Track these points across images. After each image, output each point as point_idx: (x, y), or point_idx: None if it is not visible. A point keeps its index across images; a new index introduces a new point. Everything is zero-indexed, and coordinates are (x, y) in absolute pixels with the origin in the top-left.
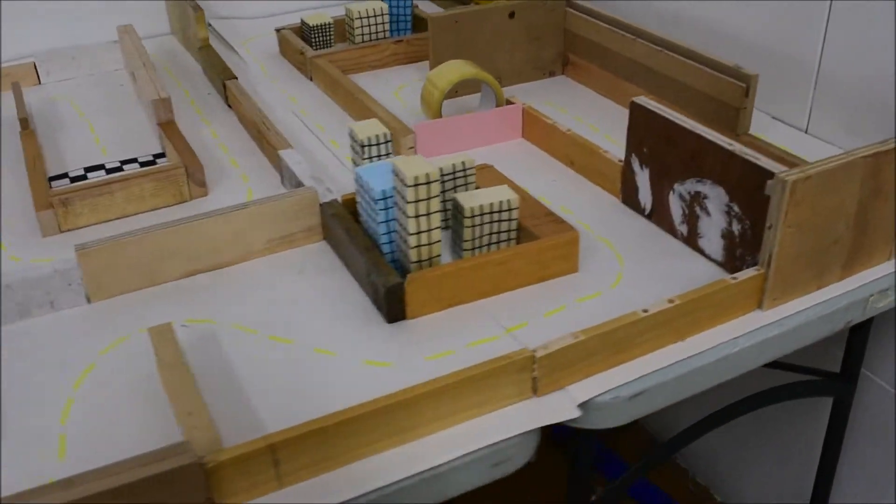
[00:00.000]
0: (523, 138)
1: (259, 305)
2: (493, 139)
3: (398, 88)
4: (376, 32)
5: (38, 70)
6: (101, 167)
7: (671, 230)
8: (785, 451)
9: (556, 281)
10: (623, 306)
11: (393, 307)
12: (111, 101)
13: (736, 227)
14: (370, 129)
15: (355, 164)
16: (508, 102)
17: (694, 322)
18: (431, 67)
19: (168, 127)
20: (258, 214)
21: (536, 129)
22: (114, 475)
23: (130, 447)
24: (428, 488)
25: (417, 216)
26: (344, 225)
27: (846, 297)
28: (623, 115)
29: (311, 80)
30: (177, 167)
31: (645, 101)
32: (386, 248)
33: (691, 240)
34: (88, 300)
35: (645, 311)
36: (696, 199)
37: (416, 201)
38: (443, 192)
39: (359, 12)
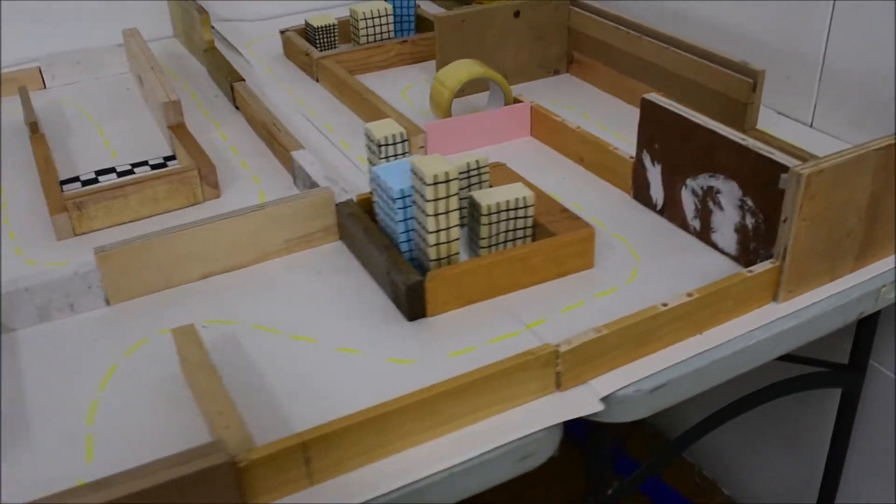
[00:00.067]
0: (531, 136)
1: (279, 305)
2: (501, 138)
3: (405, 89)
4: (381, 33)
5: (44, 74)
6: (111, 170)
7: (683, 225)
8: (792, 443)
9: (572, 277)
10: (640, 301)
11: (414, 305)
12: (118, 104)
13: (749, 221)
14: (386, 128)
15: (371, 163)
16: (516, 101)
17: (712, 315)
18: (438, 67)
19: (178, 129)
20: (275, 215)
21: (545, 127)
22: (148, 475)
23: (158, 448)
24: (457, 483)
25: (437, 214)
26: (361, 224)
27: (858, 288)
28: (629, 112)
29: (317, 81)
30: (190, 169)
31: (656, 97)
32: (404, 247)
33: (704, 234)
34: (108, 302)
35: (665, 304)
36: (709, 193)
37: (436, 200)
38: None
39: (364, 13)
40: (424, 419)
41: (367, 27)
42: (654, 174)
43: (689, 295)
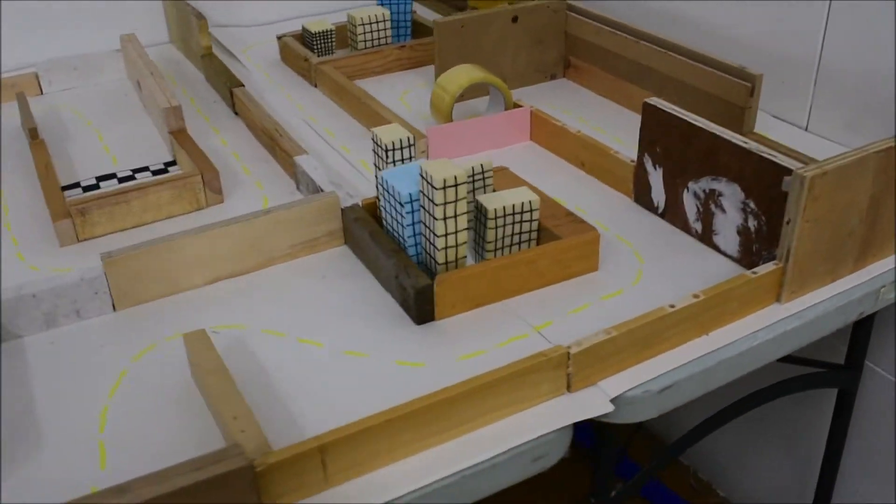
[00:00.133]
0: (531, 141)
1: (286, 310)
2: (502, 142)
3: (403, 94)
4: (378, 38)
5: (40, 80)
6: (112, 176)
7: (685, 228)
8: (788, 444)
9: (577, 280)
10: (645, 303)
11: (422, 308)
12: (117, 109)
13: (752, 223)
14: (393, 133)
15: (378, 168)
16: (516, 105)
17: (717, 316)
18: (437, 72)
19: (180, 135)
20: (281, 220)
21: (545, 132)
22: (167, 480)
23: (170, 453)
24: (472, 485)
25: (446, 218)
26: (368, 229)
27: (859, 288)
28: (627, 116)
29: (315, 86)
30: (193, 175)
31: (658, 101)
32: (412, 251)
33: (706, 237)
34: (114, 308)
35: (672, 306)
36: (711, 196)
37: (445, 203)
38: None
39: (361, 18)
40: (439, 421)
41: (364, 32)
42: (656, 177)
43: (696, 296)
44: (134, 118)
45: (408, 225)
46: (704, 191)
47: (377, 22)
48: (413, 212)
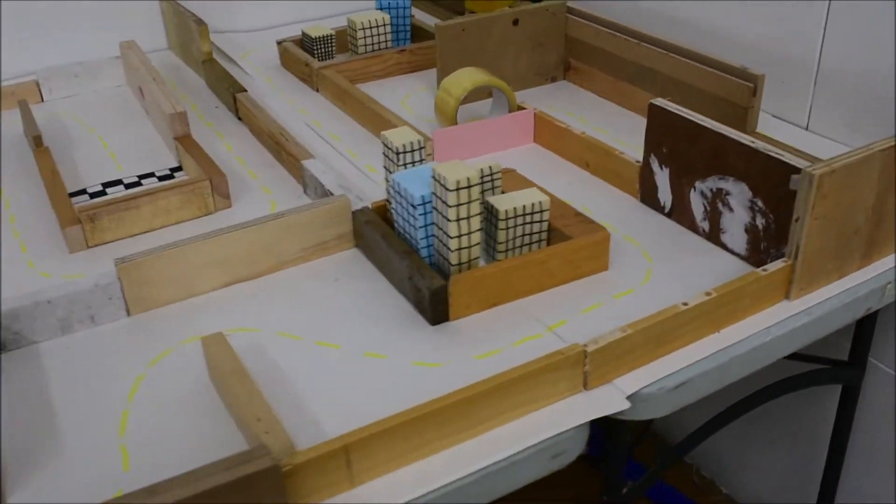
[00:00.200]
0: (535, 143)
1: (300, 313)
2: (506, 144)
3: (405, 97)
4: (379, 43)
5: (41, 87)
6: (118, 182)
7: (692, 227)
8: (791, 441)
9: (588, 279)
10: (656, 301)
11: (437, 309)
12: (119, 116)
13: (760, 222)
14: (404, 136)
15: (388, 170)
16: (520, 108)
17: (729, 313)
18: (439, 75)
19: (185, 140)
20: (292, 223)
21: (549, 134)
22: (195, 482)
23: (192, 455)
24: (493, 482)
25: (459, 220)
26: (379, 231)
27: (866, 285)
28: (628, 117)
29: (317, 91)
30: (202, 180)
31: (664, 102)
32: (424, 253)
33: (713, 235)
34: (128, 313)
35: (685, 304)
36: (719, 195)
37: (458, 205)
38: None
39: (362, 23)
40: (461, 420)
41: (365, 37)
42: (662, 177)
43: (708, 294)
44: (136, 124)
45: (420, 227)
46: (711, 190)
47: (377, 26)
48: (426, 213)
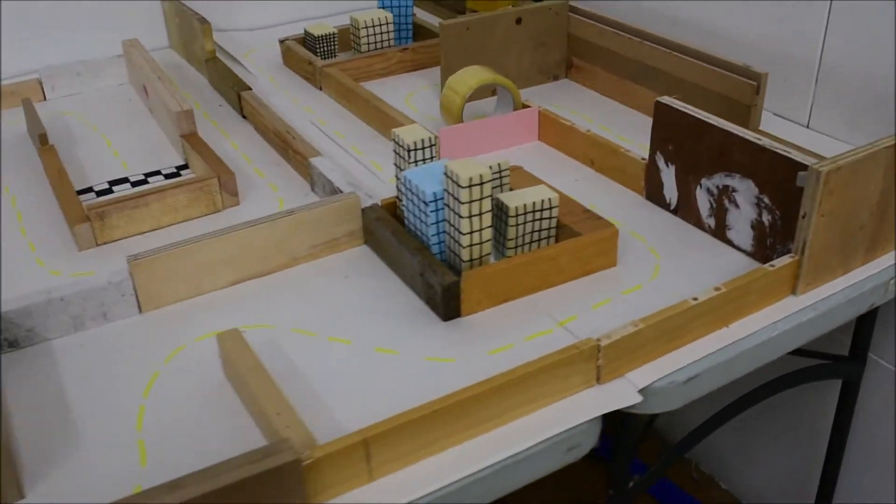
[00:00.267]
0: (539, 140)
1: (312, 309)
2: (511, 142)
3: (408, 95)
4: (381, 41)
5: (44, 86)
6: (125, 180)
7: (698, 223)
8: (790, 436)
9: (597, 275)
10: (665, 297)
11: (449, 305)
12: (122, 114)
13: (766, 218)
14: (414, 133)
15: (399, 168)
16: (524, 106)
17: (737, 309)
18: (442, 73)
19: (192, 138)
20: (304, 221)
21: (553, 132)
22: (219, 475)
23: (210, 450)
24: (509, 476)
25: (471, 216)
26: (390, 228)
27: (870, 280)
28: (631, 115)
29: (320, 89)
30: (210, 177)
31: (670, 100)
32: (435, 249)
33: (719, 232)
34: (140, 310)
35: (695, 299)
36: (725, 192)
37: (470, 202)
38: None
39: (365, 21)
40: (478, 413)
41: (368, 35)
42: (668, 175)
43: (717, 289)
44: (140, 123)
45: (432, 224)
46: (718, 187)
47: (380, 25)
48: (437, 210)
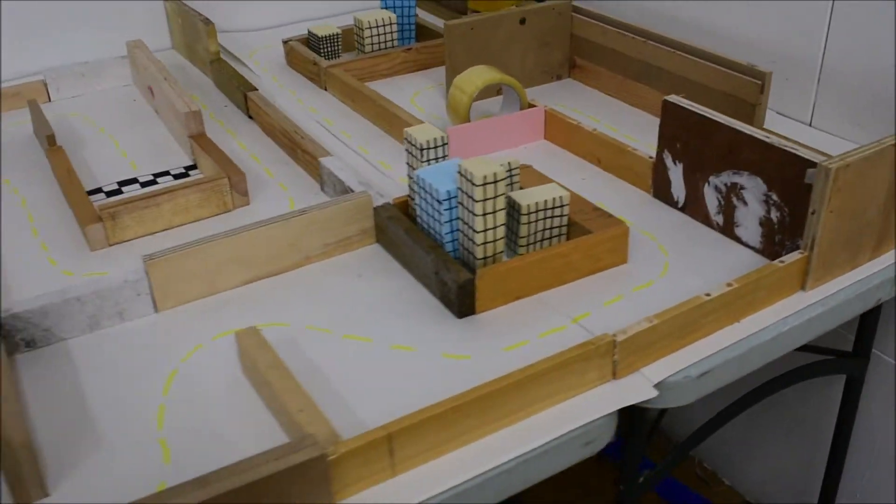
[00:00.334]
0: (545, 139)
1: (326, 307)
2: (517, 141)
3: (413, 95)
4: (385, 42)
5: (48, 87)
6: (134, 181)
7: (706, 221)
8: (794, 432)
9: (608, 272)
10: (676, 293)
11: (464, 302)
12: (127, 115)
13: (775, 215)
14: (426, 133)
15: (411, 166)
16: (530, 105)
17: (748, 304)
18: (447, 73)
19: (201, 139)
20: (317, 220)
21: (559, 130)
22: (246, 471)
23: (232, 447)
24: (528, 470)
25: (485, 214)
26: (403, 226)
27: (877, 276)
28: (635, 114)
29: (325, 89)
30: (221, 177)
31: (678, 99)
32: (449, 248)
33: (727, 229)
34: (156, 309)
35: (707, 295)
36: (733, 189)
37: (484, 200)
38: None
39: (369, 22)
40: (498, 409)
41: (372, 36)
42: (676, 173)
43: (729, 285)
44: (146, 123)
45: (445, 222)
46: (726, 184)
47: (384, 25)
48: (451, 209)
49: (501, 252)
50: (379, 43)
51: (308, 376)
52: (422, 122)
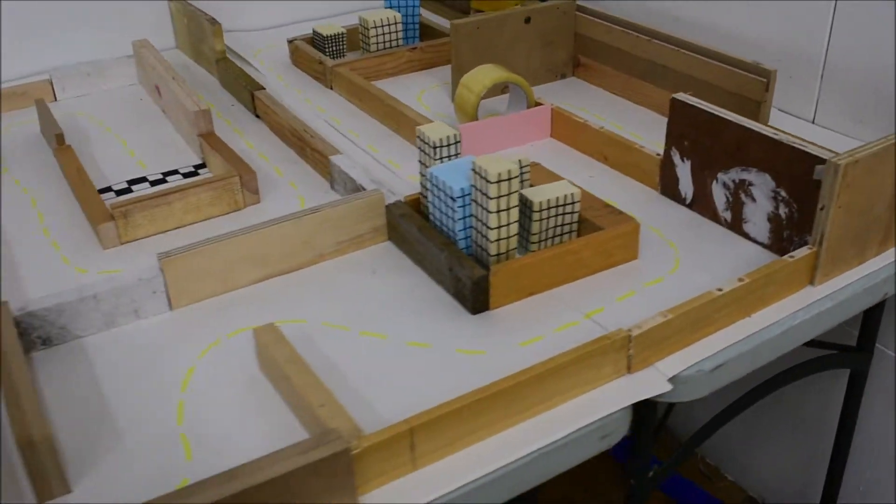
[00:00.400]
0: (552, 137)
1: (341, 304)
2: (524, 139)
3: (419, 94)
4: (390, 41)
5: (54, 86)
6: (143, 180)
7: (714, 217)
8: (797, 427)
9: (619, 268)
10: (687, 288)
11: (478, 298)
12: (134, 114)
13: (783, 211)
14: (439, 131)
15: (424, 164)
16: (537, 104)
17: (759, 299)
18: (453, 72)
19: (210, 138)
20: (330, 217)
21: (566, 129)
22: (273, 465)
23: (252, 443)
24: (546, 463)
25: (499, 211)
26: (416, 224)
27: (884, 270)
28: (640, 112)
29: (331, 88)
30: (231, 176)
31: (685, 97)
32: (462, 245)
33: (736, 225)
34: (170, 307)
35: (720, 290)
36: (741, 186)
37: (498, 197)
38: None
39: (374, 21)
40: (516, 403)
41: (377, 35)
42: (684, 170)
43: (741, 280)
44: (153, 122)
45: (459, 219)
46: (734, 181)
47: (389, 24)
48: (465, 206)
49: (514, 248)
50: (384, 42)
51: (325, 372)
52: (430, 121)
